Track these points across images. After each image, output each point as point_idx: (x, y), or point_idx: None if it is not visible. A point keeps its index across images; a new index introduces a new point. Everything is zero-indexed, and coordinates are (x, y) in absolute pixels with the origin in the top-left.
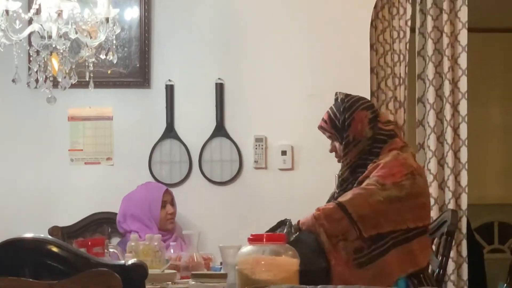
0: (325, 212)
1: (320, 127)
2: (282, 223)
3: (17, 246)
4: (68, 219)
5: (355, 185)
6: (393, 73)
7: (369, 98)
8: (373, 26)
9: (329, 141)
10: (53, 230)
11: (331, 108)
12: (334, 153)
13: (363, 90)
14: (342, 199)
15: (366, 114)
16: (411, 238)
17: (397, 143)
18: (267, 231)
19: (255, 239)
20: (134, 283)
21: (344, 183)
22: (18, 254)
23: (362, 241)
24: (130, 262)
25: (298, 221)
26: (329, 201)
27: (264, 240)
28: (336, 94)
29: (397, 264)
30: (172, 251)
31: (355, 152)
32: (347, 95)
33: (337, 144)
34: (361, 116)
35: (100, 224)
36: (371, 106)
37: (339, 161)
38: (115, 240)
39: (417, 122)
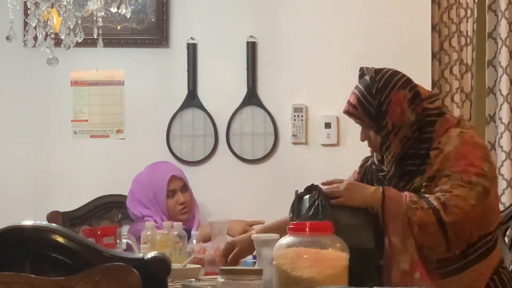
0: (421, 220)
1: (348, 113)
2: (310, 189)
3: (15, 235)
4: (70, 203)
5: (423, 182)
6: (459, 30)
7: (429, 60)
8: None
9: None
10: (53, 216)
11: (357, 88)
12: (366, 141)
13: (422, 50)
14: (440, 206)
15: (404, 93)
16: (498, 237)
17: (450, 120)
18: (295, 199)
19: (296, 228)
20: (155, 280)
21: (392, 180)
22: (16, 245)
23: (450, 254)
24: (150, 255)
25: (383, 196)
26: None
27: (307, 229)
28: (361, 69)
29: (485, 274)
30: (194, 242)
31: (397, 142)
32: (377, 71)
33: (371, 132)
34: (398, 97)
35: (109, 209)
36: (408, 82)
37: (374, 151)
38: (126, 228)
39: (487, 90)
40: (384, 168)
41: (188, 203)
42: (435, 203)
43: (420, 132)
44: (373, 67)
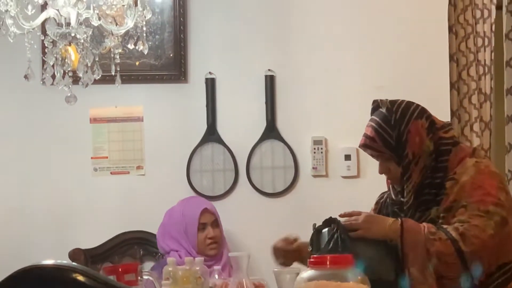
0: (439, 252)
1: (365, 146)
2: (329, 223)
3: (36, 275)
4: (92, 240)
5: (441, 213)
6: (477, 60)
7: (448, 90)
8: (452, 4)
9: None
10: (75, 254)
11: (374, 121)
12: (385, 174)
13: (441, 80)
14: (458, 237)
15: (422, 123)
16: None
17: (464, 149)
18: (314, 232)
19: (316, 261)
20: None
21: (408, 211)
22: (37, 285)
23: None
24: None
25: (402, 228)
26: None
27: (328, 262)
28: (374, 102)
29: None
30: (216, 276)
31: (417, 172)
32: (392, 102)
33: (391, 164)
34: (417, 127)
35: (131, 246)
36: (423, 111)
37: (394, 183)
38: (149, 265)
39: (506, 118)
40: (402, 199)
41: (218, 239)
42: (453, 233)
43: (435, 162)
44: (387, 99)
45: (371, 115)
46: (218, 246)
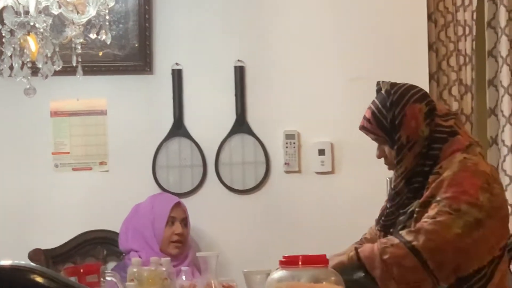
0: (394, 256)
1: (363, 128)
2: None
3: None
4: (52, 240)
5: (416, 208)
6: (457, 49)
7: (427, 81)
8: None
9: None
10: (34, 254)
11: (373, 102)
12: (383, 158)
13: (419, 70)
14: (412, 237)
15: (420, 107)
16: (494, 271)
17: (460, 142)
18: None
19: (288, 261)
20: None
21: (397, 197)
22: None
23: None
24: None
25: (356, 250)
26: (379, 219)
27: (300, 262)
28: (378, 84)
29: None
30: (184, 278)
31: (411, 157)
32: (393, 85)
33: (386, 148)
34: (414, 110)
35: (93, 246)
36: (424, 96)
37: (390, 169)
38: (112, 265)
39: (488, 111)
40: (393, 183)
41: (184, 238)
42: (406, 234)
43: (427, 149)
44: (389, 81)
45: (375, 97)
46: (182, 246)
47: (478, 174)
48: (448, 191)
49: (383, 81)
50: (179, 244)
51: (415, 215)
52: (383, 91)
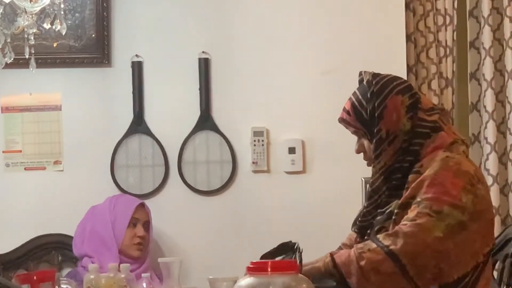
0: (371, 262)
1: (342, 120)
2: (285, 248)
3: None
4: (3, 245)
5: (395, 209)
6: (437, 40)
7: (405, 74)
8: None
9: (353, 137)
10: None
11: (354, 93)
12: (362, 154)
13: (397, 63)
14: (389, 241)
15: (402, 99)
16: (478, 277)
17: (443, 139)
18: (263, 257)
19: (256, 268)
20: None
21: (375, 195)
22: None
23: None
24: None
25: (331, 256)
26: (356, 220)
27: (270, 269)
28: (360, 74)
29: None
30: (144, 285)
31: (390, 152)
32: (375, 75)
33: (365, 142)
34: (395, 102)
35: (48, 251)
36: (408, 89)
37: (369, 165)
38: (67, 272)
39: (470, 106)
40: (371, 180)
41: (145, 241)
42: (383, 238)
43: (408, 144)
44: (372, 71)
45: (356, 88)
46: (144, 249)
47: (460, 174)
48: (428, 192)
49: (365, 71)
50: (141, 246)
51: (394, 217)
52: (364, 82)
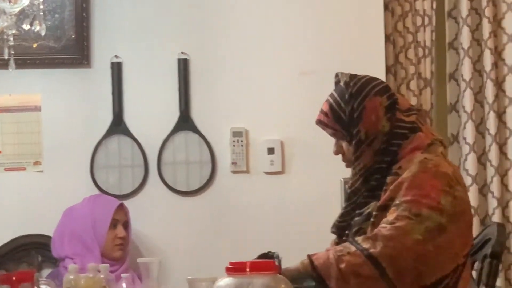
0: (351, 265)
1: (320, 122)
2: (266, 258)
3: None
4: None
5: (374, 211)
6: (416, 41)
7: (384, 75)
8: None
9: (333, 138)
10: None
11: (331, 95)
12: (340, 155)
13: (375, 63)
14: (369, 244)
15: (381, 100)
16: (458, 279)
17: (421, 140)
18: None
19: (235, 268)
20: None
21: (353, 196)
22: None
23: None
24: None
25: (310, 259)
26: (334, 224)
27: (248, 269)
28: (336, 75)
29: None
30: (124, 285)
31: (370, 154)
32: (352, 76)
33: (344, 144)
34: (374, 103)
35: (27, 251)
36: (386, 89)
37: (348, 167)
38: (47, 272)
39: (449, 106)
40: (350, 181)
41: (126, 241)
42: (362, 241)
43: (387, 144)
44: (349, 73)
45: (333, 90)
46: (125, 249)
47: (439, 176)
48: (407, 194)
49: (342, 73)
50: (123, 246)
51: (372, 219)
52: (341, 83)
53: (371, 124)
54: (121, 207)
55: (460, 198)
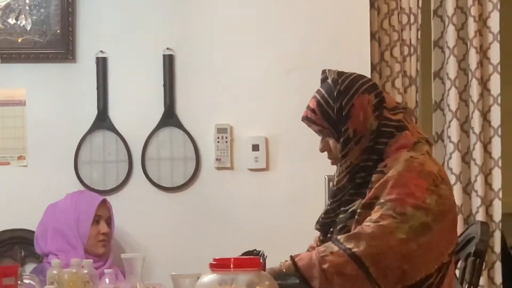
0: (334, 265)
1: (306, 119)
2: (250, 255)
3: None
4: None
5: (358, 209)
6: (401, 39)
7: (369, 72)
8: None
9: (317, 135)
10: None
11: (319, 91)
12: (326, 153)
13: (361, 61)
14: (352, 244)
15: (368, 98)
16: (443, 278)
17: (407, 138)
18: None
19: (219, 264)
20: None
21: (339, 193)
22: None
23: None
24: None
25: (292, 259)
26: (318, 220)
27: (232, 266)
28: (323, 72)
29: None
30: (107, 281)
31: (357, 152)
32: (340, 73)
33: (331, 141)
34: (362, 101)
35: (10, 246)
36: (374, 87)
37: (334, 164)
38: (30, 267)
39: (433, 105)
40: (336, 179)
41: (109, 237)
42: (344, 241)
43: (374, 143)
44: (336, 70)
45: (320, 86)
46: (108, 245)
47: (424, 174)
48: (392, 193)
49: (329, 69)
50: (106, 242)
51: (356, 217)
52: (329, 80)
53: (359, 122)
54: (104, 203)
55: (445, 197)
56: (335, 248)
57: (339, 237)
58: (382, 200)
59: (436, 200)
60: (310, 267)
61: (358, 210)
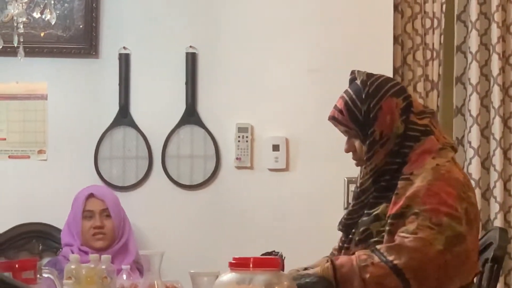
0: (375, 276)
1: (333, 119)
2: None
3: None
4: None
5: (390, 219)
6: (424, 43)
7: (391, 76)
8: None
9: (338, 136)
10: None
11: (347, 92)
12: (349, 154)
13: (383, 64)
14: (393, 256)
15: (397, 102)
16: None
17: (432, 143)
18: None
19: (238, 263)
20: None
21: (362, 195)
22: None
23: None
24: None
25: (331, 261)
26: (340, 221)
27: (251, 265)
28: (352, 72)
29: None
30: (124, 277)
31: (382, 154)
32: (369, 75)
33: (356, 142)
34: (391, 104)
35: (29, 239)
36: (402, 91)
37: (358, 165)
38: (47, 261)
39: (454, 110)
40: (359, 180)
41: (107, 230)
42: (386, 253)
43: (399, 146)
44: (365, 71)
45: (348, 87)
46: (107, 237)
47: (452, 182)
48: (426, 203)
49: (358, 70)
50: (100, 235)
51: (388, 227)
52: (358, 81)
53: (386, 125)
54: (92, 196)
55: (472, 204)
56: (376, 259)
57: (379, 247)
58: (416, 210)
59: (466, 208)
60: (350, 275)
61: (390, 221)
